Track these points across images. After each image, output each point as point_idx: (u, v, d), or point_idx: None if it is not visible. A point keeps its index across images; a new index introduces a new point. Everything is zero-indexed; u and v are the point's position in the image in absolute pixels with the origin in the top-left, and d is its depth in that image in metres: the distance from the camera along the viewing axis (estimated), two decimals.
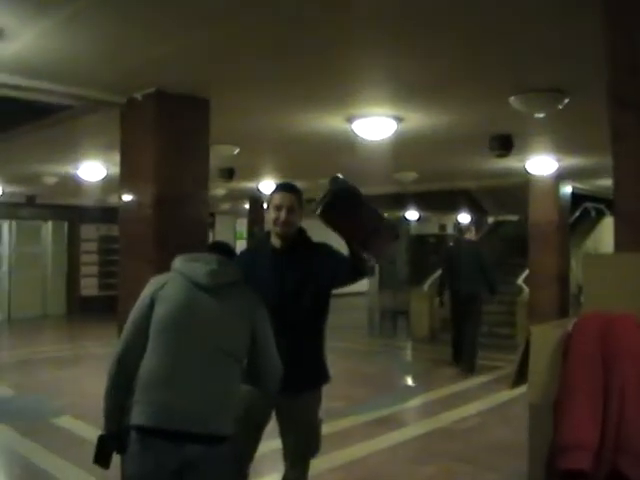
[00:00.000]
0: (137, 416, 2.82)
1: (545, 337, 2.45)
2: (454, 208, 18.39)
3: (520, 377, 2.52)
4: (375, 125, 6.22)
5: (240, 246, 17.81)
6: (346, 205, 3.16)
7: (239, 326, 3.00)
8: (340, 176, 3.23)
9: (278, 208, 3.53)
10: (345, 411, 7.00)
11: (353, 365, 9.92)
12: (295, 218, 3.57)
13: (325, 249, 3.67)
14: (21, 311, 16.24)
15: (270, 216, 3.57)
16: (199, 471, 2.84)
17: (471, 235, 10.27)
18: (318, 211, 3.11)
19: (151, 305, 2.92)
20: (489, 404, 7.89)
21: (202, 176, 5.22)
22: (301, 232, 3.71)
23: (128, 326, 2.96)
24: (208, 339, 2.91)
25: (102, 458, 2.97)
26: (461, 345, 9.94)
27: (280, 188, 3.64)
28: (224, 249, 3.20)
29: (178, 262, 3.07)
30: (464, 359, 9.79)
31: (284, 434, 3.74)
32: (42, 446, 6.12)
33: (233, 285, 3.04)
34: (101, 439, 2.97)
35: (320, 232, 3.78)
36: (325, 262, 3.57)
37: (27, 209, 16.24)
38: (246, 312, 3.03)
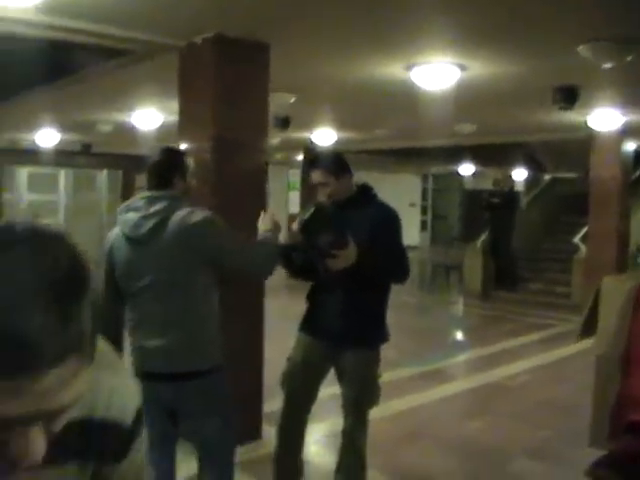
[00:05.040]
0: None
1: (616, 289, 2.38)
2: (510, 163, 18.04)
3: (587, 329, 2.46)
4: (436, 73, 6.05)
5: (293, 196, 17.80)
6: None
7: (183, 262, 3.02)
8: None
9: (316, 184, 3.70)
10: (395, 363, 7.00)
11: (404, 318, 9.92)
12: (333, 188, 3.64)
13: (384, 214, 3.67)
14: None
15: None
16: (183, 408, 3.09)
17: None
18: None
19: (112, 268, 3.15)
20: (541, 362, 7.83)
21: (261, 123, 5.16)
22: (364, 190, 3.72)
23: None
24: (156, 286, 3.02)
25: None
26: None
27: (311, 166, 3.74)
28: (160, 174, 3.16)
29: (118, 213, 3.23)
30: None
31: (340, 385, 3.78)
32: None
33: (162, 224, 3.00)
34: None
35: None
36: (374, 226, 3.56)
37: (83, 158, 16.40)
38: (184, 245, 2.99)
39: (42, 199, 16.95)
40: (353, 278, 3.44)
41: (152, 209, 3.00)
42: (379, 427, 4.81)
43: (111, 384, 1.12)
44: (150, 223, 2.98)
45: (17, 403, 0.76)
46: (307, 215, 3.38)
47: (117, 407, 1.12)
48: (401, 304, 11.40)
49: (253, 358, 4.98)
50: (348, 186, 3.69)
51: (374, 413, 3.94)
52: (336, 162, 3.69)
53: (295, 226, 3.48)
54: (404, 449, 5.00)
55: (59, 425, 0.87)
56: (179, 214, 2.98)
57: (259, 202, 5.02)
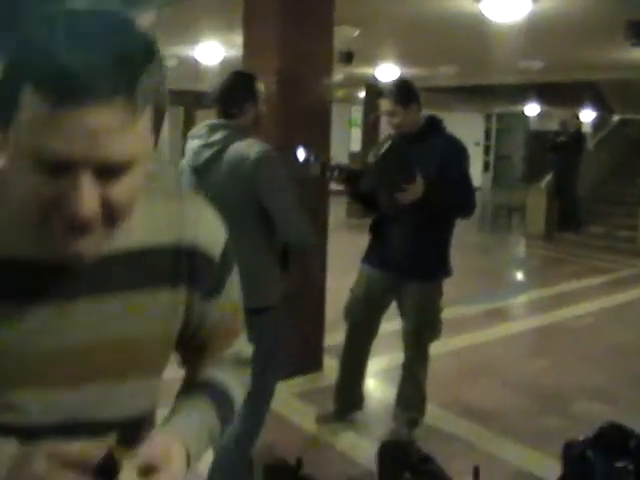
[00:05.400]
0: None
1: None
2: (578, 104, 17.49)
3: None
4: (506, 4, 5.83)
5: (355, 133, 17.64)
6: None
7: (236, 195, 2.87)
8: None
9: (384, 114, 3.67)
10: (457, 300, 6.91)
11: (467, 258, 9.77)
12: (401, 118, 3.59)
13: (453, 147, 3.62)
14: None
15: None
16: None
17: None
18: None
19: None
20: (605, 304, 7.69)
21: (326, 55, 5.06)
22: (432, 122, 3.65)
23: None
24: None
25: None
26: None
27: (380, 95, 3.72)
28: (227, 100, 3.02)
29: (186, 140, 3.10)
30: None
31: (401, 318, 3.80)
32: None
33: (219, 154, 2.90)
34: None
35: None
36: (443, 159, 3.51)
37: None
38: (236, 178, 2.86)
39: None
40: (420, 212, 3.41)
41: (211, 138, 2.92)
42: (441, 363, 4.83)
43: (198, 216, 1.14)
44: (208, 153, 2.92)
45: (65, 140, 0.79)
46: (383, 149, 3.33)
47: (204, 239, 1.12)
48: (464, 244, 11.20)
49: (315, 292, 5.00)
50: (416, 118, 3.62)
51: (436, 348, 3.95)
52: (404, 91, 3.61)
53: (371, 158, 3.42)
54: (465, 385, 5.01)
55: (120, 195, 0.86)
56: (237, 145, 2.88)
57: (323, 138, 4.97)
